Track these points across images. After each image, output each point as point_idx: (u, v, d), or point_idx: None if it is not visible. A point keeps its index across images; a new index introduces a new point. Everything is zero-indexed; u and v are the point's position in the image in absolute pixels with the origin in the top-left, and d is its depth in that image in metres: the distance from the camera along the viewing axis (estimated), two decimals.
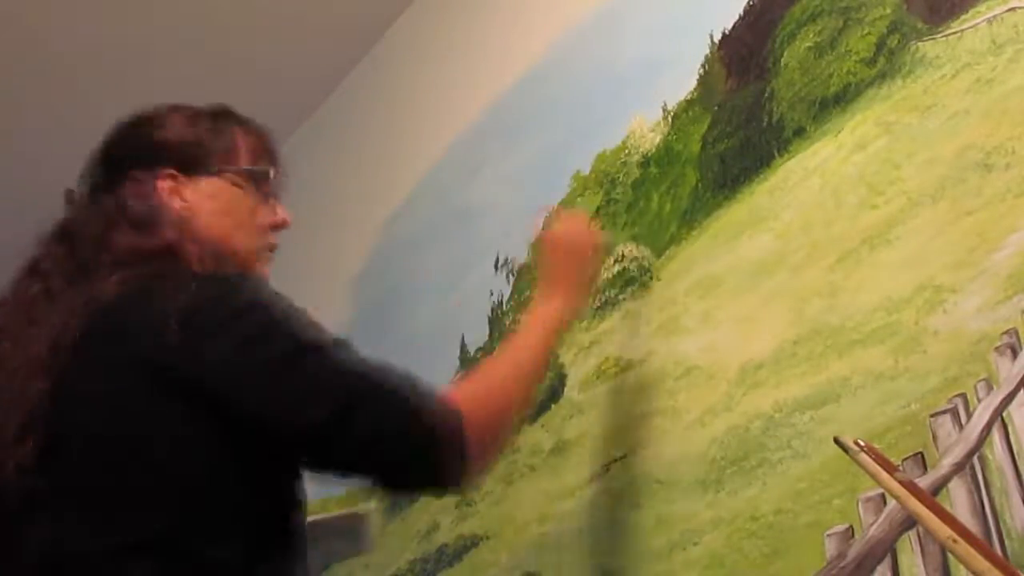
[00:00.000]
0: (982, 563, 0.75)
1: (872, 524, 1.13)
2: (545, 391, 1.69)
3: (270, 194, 1.22)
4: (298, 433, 1.01)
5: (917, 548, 1.09)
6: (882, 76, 1.30)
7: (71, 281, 1.07)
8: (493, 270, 1.90)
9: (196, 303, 1.00)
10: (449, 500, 1.83)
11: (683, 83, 1.59)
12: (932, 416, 1.12)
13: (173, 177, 1.14)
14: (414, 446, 1.03)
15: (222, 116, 1.22)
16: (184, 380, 0.98)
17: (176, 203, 1.13)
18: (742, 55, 1.50)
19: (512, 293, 1.85)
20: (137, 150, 1.17)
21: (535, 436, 1.68)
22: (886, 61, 1.30)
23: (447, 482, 1.09)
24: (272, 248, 1.24)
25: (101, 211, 1.13)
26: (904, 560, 1.09)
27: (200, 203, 1.14)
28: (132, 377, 1.00)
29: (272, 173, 1.21)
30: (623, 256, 1.62)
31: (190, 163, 1.15)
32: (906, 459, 1.13)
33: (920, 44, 1.26)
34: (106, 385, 1.00)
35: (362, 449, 1.02)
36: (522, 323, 1.25)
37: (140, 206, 1.12)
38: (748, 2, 1.51)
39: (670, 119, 1.60)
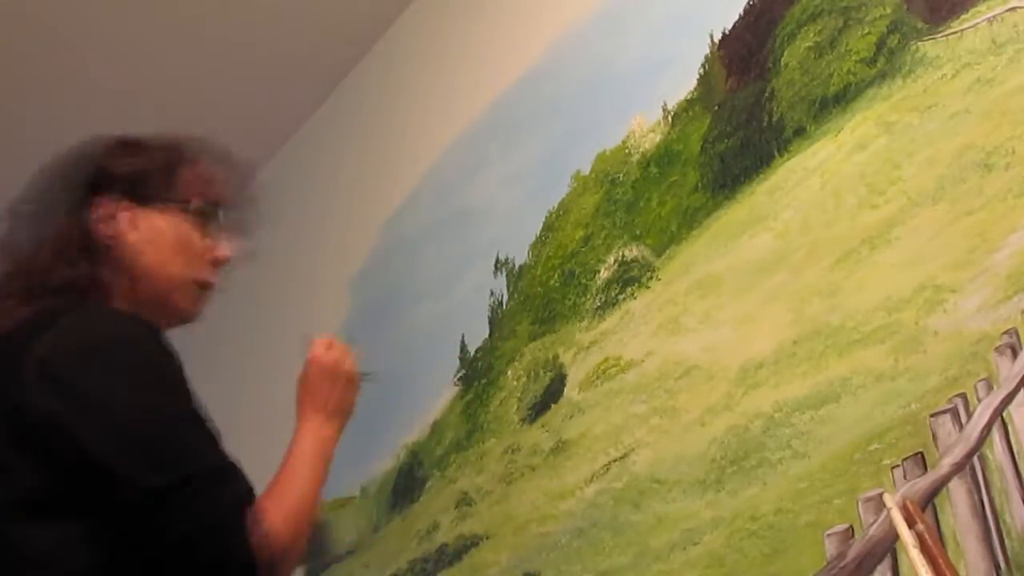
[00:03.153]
0: None
1: (872, 524, 1.13)
2: (545, 391, 1.69)
3: (216, 229, 1.18)
4: (133, 490, 0.96)
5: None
6: (882, 76, 1.30)
7: None
8: (493, 270, 1.90)
9: (71, 344, 0.98)
10: (449, 500, 1.83)
11: (683, 83, 1.59)
12: (932, 416, 1.12)
13: (109, 208, 1.12)
14: (231, 546, 0.99)
15: (176, 148, 1.20)
16: (39, 422, 0.95)
17: (108, 233, 1.11)
18: (742, 55, 1.50)
19: (512, 293, 1.85)
20: (77, 178, 1.15)
21: (535, 436, 1.68)
22: (886, 61, 1.30)
23: None
24: (208, 285, 1.19)
25: (34, 235, 1.11)
26: (904, 560, 1.09)
27: (132, 235, 1.12)
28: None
29: (219, 208, 1.18)
30: (623, 256, 1.62)
31: (128, 194, 1.13)
32: (906, 459, 1.13)
33: (920, 44, 1.26)
34: None
35: (187, 525, 0.97)
36: (299, 448, 1.23)
37: (72, 236, 1.10)
38: (748, 2, 1.50)
39: (670, 119, 1.60)
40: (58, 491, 0.95)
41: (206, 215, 1.17)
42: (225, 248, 1.18)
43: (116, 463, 0.95)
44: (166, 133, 1.21)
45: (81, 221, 1.11)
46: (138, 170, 1.16)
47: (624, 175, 1.67)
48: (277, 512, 1.04)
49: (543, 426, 1.67)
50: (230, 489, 1.01)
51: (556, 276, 1.75)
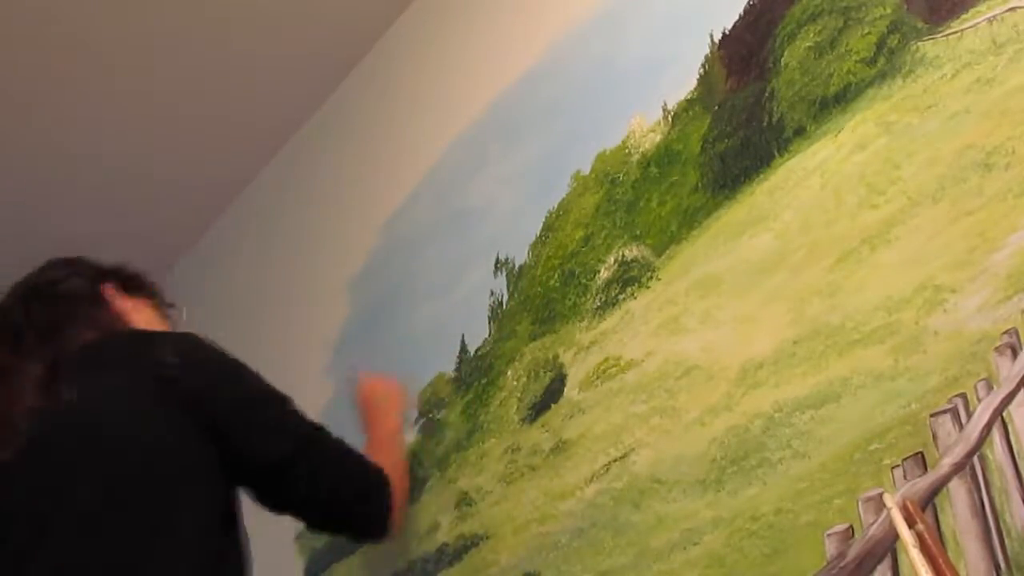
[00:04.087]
0: None
1: (872, 524, 1.13)
2: (545, 391, 1.69)
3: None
4: (263, 463, 1.26)
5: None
6: (882, 76, 1.30)
7: (42, 338, 1.31)
8: (493, 270, 1.90)
9: (181, 345, 1.27)
10: (449, 500, 1.83)
11: (683, 83, 1.59)
12: (932, 416, 1.12)
13: (116, 289, 1.46)
14: (358, 492, 1.33)
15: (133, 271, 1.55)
16: (184, 397, 1.19)
17: (117, 306, 1.43)
18: (742, 55, 1.50)
19: (512, 293, 1.85)
20: (84, 269, 1.47)
21: (535, 436, 1.68)
22: (886, 61, 1.30)
23: (377, 531, 1.40)
24: None
25: (65, 288, 1.42)
26: (904, 560, 1.09)
27: (129, 310, 1.44)
28: (137, 395, 1.20)
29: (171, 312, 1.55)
30: (623, 256, 1.62)
31: (129, 286, 1.48)
32: (906, 459, 1.13)
33: (920, 44, 1.26)
34: (110, 403, 1.20)
35: (314, 484, 1.28)
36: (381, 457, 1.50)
37: (93, 299, 1.42)
38: (748, 2, 1.51)
39: (670, 119, 1.60)
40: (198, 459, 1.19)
41: (166, 310, 1.54)
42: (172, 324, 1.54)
43: (249, 434, 1.24)
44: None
45: (99, 294, 1.43)
46: (135, 275, 1.52)
47: (624, 175, 1.67)
48: (392, 471, 1.41)
49: (543, 426, 1.67)
50: (334, 441, 1.34)
51: (556, 276, 1.75)
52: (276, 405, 1.31)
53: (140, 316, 1.45)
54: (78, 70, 2.39)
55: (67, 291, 1.41)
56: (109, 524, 1.10)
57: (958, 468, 1.09)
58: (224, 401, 1.22)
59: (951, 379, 1.12)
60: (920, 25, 1.27)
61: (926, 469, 1.11)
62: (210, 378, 1.23)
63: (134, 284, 1.50)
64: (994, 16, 1.18)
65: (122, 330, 1.36)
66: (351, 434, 2.13)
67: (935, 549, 0.97)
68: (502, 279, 1.88)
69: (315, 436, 1.32)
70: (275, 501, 1.31)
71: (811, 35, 1.40)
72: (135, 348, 1.27)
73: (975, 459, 1.08)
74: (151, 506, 1.12)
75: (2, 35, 2.24)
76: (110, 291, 1.44)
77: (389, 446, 1.56)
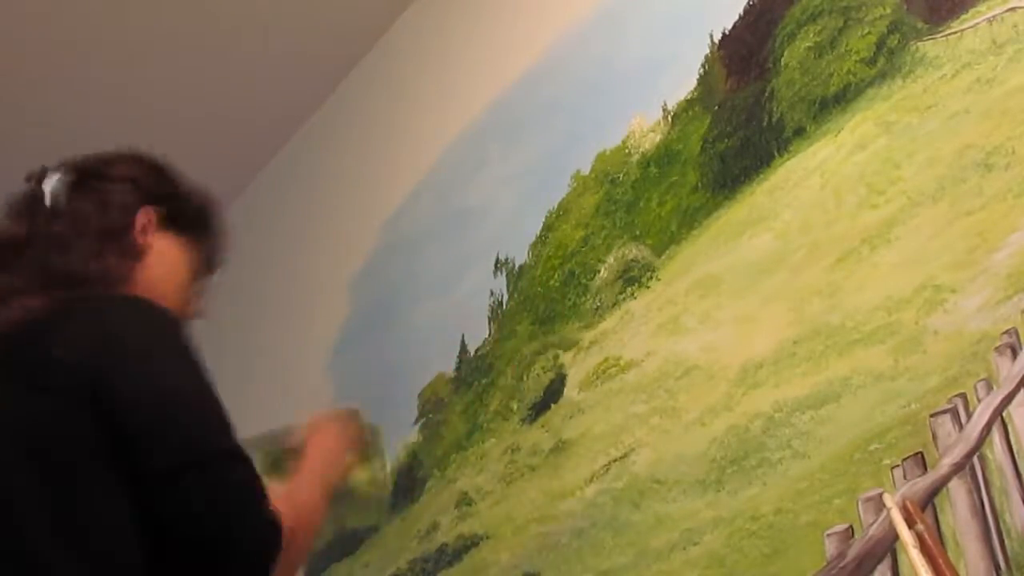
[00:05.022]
0: None
1: (872, 524, 1.13)
2: (545, 391, 1.69)
3: (201, 284, 1.30)
4: (147, 469, 1.00)
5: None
6: (882, 76, 1.30)
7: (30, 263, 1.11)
8: (493, 270, 1.90)
9: (115, 327, 1.04)
10: (449, 500, 1.83)
11: (683, 83, 1.59)
12: (932, 416, 1.12)
13: (151, 219, 1.20)
14: (235, 538, 1.03)
15: (210, 201, 1.32)
16: (95, 398, 0.99)
17: (141, 239, 1.19)
18: (742, 55, 1.50)
19: (512, 293, 1.85)
20: (137, 180, 1.23)
21: (535, 436, 1.68)
22: (886, 61, 1.30)
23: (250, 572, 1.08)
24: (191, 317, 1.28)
25: (74, 214, 1.17)
26: (904, 560, 1.09)
27: (155, 249, 1.20)
28: (46, 396, 1.00)
29: (214, 272, 1.32)
30: (623, 256, 1.62)
31: (174, 217, 1.23)
32: (906, 459, 1.13)
33: (920, 44, 1.26)
34: (23, 406, 1.01)
35: (189, 509, 1.01)
36: (299, 496, 1.25)
37: (112, 227, 1.17)
38: (748, 2, 1.51)
39: (670, 119, 1.60)
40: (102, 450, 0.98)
41: (207, 272, 1.29)
42: (199, 305, 1.30)
43: (143, 432, 0.99)
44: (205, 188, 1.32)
45: (126, 218, 1.19)
46: (185, 200, 1.26)
47: (624, 175, 1.67)
48: (286, 507, 1.08)
49: (543, 426, 1.67)
50: (243, 470, 1.04)
51: (556, 276, 1.75)
52: (191, 407, 1.06)
53: (159, 264, 1.21)
54: (74, 70, 2.39)
55: (88, 206, 1.17)
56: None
57: (958, 468, 1.09)
58: (127, 390, 1.01)
59: (951, 379, 1.11)
60: (920, 25, 1.27)
61: (926, 469, 1.11)
62: (118, 362, 1.01)
63: (186, 219, 1.26)
64: (994, 16, 1.18)
65: (68, 300, 1.09)
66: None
67: (935, 549, 0.97)
68: (502, 279, 1.88)
69: (221, 456, 1.05)
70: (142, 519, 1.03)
71: (811, 35, 1.40)
72: (38, 340, 1.04)
73: (975, 459, 1.08)
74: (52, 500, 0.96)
75: (2, 38, 2.25)
76: (144, 219, 1.20)
77: (311, 485, 1.29)
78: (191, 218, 1.26)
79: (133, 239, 1.18)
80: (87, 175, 1.21)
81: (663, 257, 1.55)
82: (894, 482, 1.13)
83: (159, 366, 1.04)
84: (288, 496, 1.19)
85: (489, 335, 1.87)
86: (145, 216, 1.20)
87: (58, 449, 0.99)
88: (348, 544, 2.07)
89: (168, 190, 1.25)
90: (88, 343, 1.01)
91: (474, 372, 1.88)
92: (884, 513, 1.11)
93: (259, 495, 1.04)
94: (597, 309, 1.63)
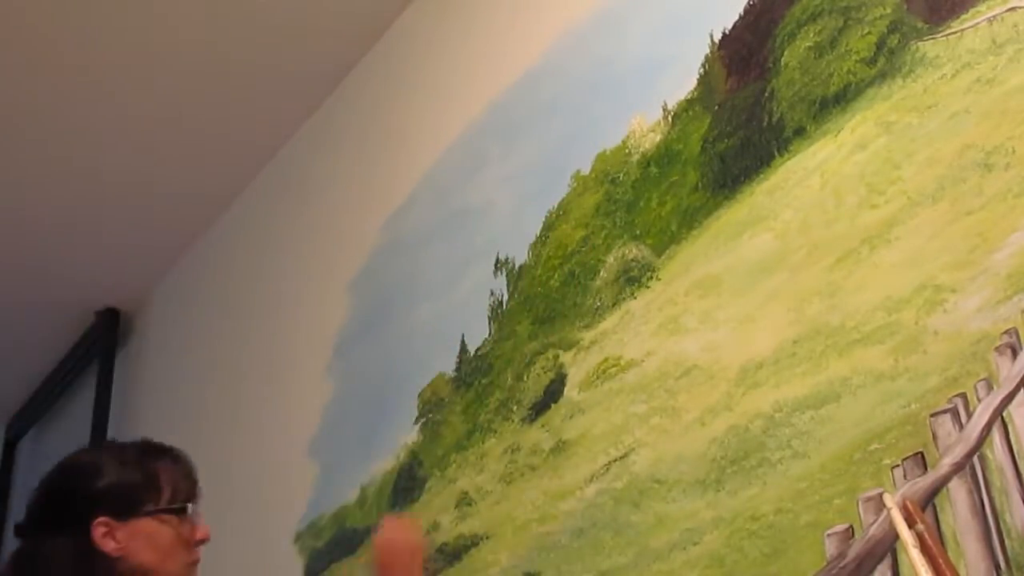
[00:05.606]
0: None
1: (872, 524, 1.13)
2: (545, 391, 1.69)
3: (191, 517, 1.39)
4: None
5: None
6: (882, 76, 1.30)
7: None
8: (493, 270, 1.90)
9: None
10: (449, 500, 1.83)
11: (683, 83, 1.59)
12: (932, 416, 1.12)
13: (107, 524, 1.31)
14: None
15: (148, 454, 1.39)
16: None
17: (110, 546, 1.31)
18: (742, 55, 1.50)
19: (512, 293, 1.85)
20: (74, 502, 1.34)
21: (535, 436, 1.68)
22: (886, 61, 1.30)
23: None
24: (196, 562, 1.39)
25: (45, 554, 1.32)
26: (904, 560, 1.09)
27: (132, 543, 1.32)
28: None
29: (191, 504, 1.39)
30: (623, 256, 1.62)
31: (122, 509, 1.33)
32: (906, 459, 1.13)
33: (920, 44, 1.26)
34: None
35: None
36: None
37: (79, 554, 1.30)
38: (748, 2, 1.51)
39: (670, 119, 1.60)
40: None
41: (187, 510, 1.38)
42: (204, 529, 1.40)
43: None
44: (124, 444, 1.43)
45: (85, 542, 1.31)
46: (124, 487, 1.36)
47: (624, 175, 1.67)
48: None
49: (543, 426, 1.67)
50: None
51: (556, 276, 1.75)
52: None
53: (143, 551, 1.33)
54: (74, 70, 2.39)
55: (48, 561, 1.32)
56: None
57: (958, 468, 1.09)
58: None
59: (951, 379, 1.12)
60: (920, 25, 1.27)
61: (926, 469, 1.11)
62: None
63: (135, 497, 1.36)
64: (994, 16, 1.18)
65: None
66: (349, 441, 2.14)
67: (935, 549, 0.97)
68: (502, 279, 1.88)
69: None
70: None
71: (811, 35, 1.40)
72: None
73: (975, 459, 1.08)
74: None
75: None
76: (100, 531, 1.32)
77: None
78: (132, 496, 1.35)
79: (102, 553, 1.31)
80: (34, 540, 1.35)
81: (663, 257, 1.55)
82: (894, 482, 1.13)
83: None
84: None
85: (489, 335, 1.87)
86: (97, 530, 1.31)
87: None
88: (348, 544, 2.07)
89: (93, 491, 1.34)
90: None
91: (474, 372, 1.88)
92: (884, 513, 1.11)
93: None
94: (597, 309, 1.63)
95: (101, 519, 1.32)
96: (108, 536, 1.31)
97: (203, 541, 1.39)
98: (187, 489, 1.40)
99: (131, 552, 1.31)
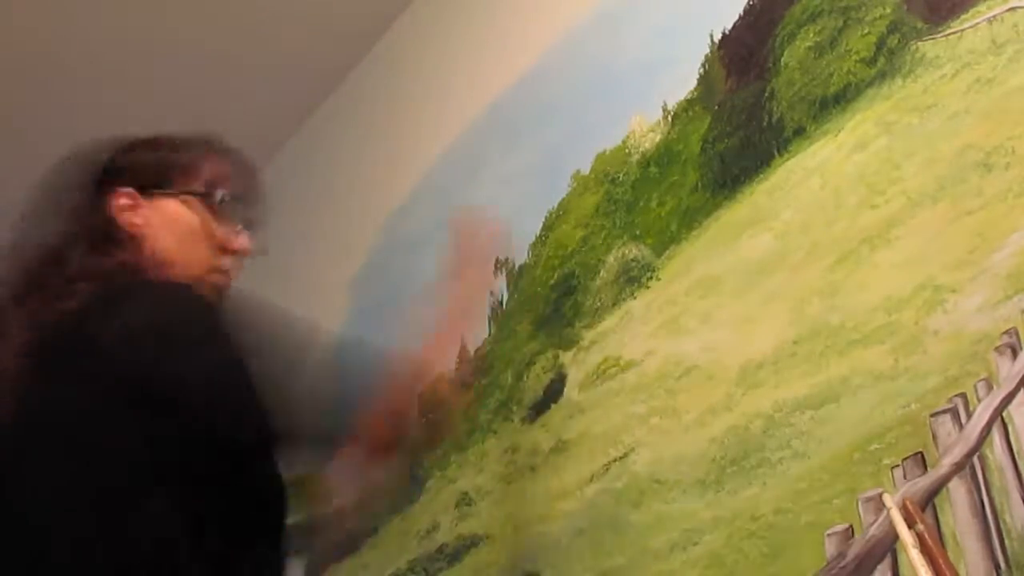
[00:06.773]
0: None
1: (872, 524, 1.13)
2: (545, 391, 1.69)
3: (231, 219, 1.25)
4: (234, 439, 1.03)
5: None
6: (882, 76, 1.30)
7: (18, 298, 1.09)
8: (493, 270, 1.90)
9: (158, 320, 1.02)
10: (449, 500, 1.83)
11: (683, 83, 1.59)
12: (932, 416, 1.12)
13: (130, 196, 1.18)
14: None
15: (193, 143, 1.26)
16: (157, 393, 0.99)
17: (131, 221, 1.17)
18: (742, 55, 1.50)
19: (512, 293, 1.85)
20: (96, 170, 1.21)
21: (535, 436, 1.68)
22: (886, 61, 1.30)
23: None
24: (224, 270, 1.24)
25: (58, 228, 1.17)
26: (904, 560, 1.09)
27: (154, 222, 1.18)
28: (103, 391, 1.00)
29: (237, 202, 1.24)
30: (623, 256, 1.62)
31: (148, 184, 1.20)
32: (906, 459, 1.13)
33: (920, 44, 1.26)
34: (75, 402, 1.00)
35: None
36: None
37: (96, 225, 1.16)
38: (748, 2, 1.51)
39: (670, 119, 1.60)
40: (146, 458, 0.98)
41: (225, 206, 1.23)
42: (243, 239, 1.24)
43: (210, 420, 1.00)
44: (182, 133, 1.27)
45: (104, 212, 1.17)
46: (158, 162, 1.22)
47: (624, 175, 1.67)
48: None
49: (543, 426, 1.67)
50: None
51: (556, 276, 1.75)
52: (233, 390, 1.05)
53: (164, 234, 1.17)
54: (75, 69, 2.39)
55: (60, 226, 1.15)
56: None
57: (958, 468, 1.09)
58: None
59: (951, 379, 1.11)
60: (920, 25, 1.27)
61: (926, 469, 1.11)
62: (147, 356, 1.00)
63: (161, 175, 1.21)
64: (994, 16, 1.18)
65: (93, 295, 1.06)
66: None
67: (935, 549, 0.97)
68: (502, 279, 1.88)
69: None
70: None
71: (811, 35, 1.40)
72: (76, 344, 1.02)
73: (975, 459, 1.08)
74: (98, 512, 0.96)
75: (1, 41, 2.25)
76: (121, 202, 1.17)
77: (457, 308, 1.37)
78: (162, 172, 1.22)
79: (121, 226, 1.17)
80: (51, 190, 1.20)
81: (663, 257, 1.55)
82: (894, 482, 1.13)
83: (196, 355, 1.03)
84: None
85: (489, 335, 1.87)
86: (117, 199, 1.18)
87: (102, 440, 0.99)
88: (348, 544, 2.07)
89: (124, 162, 1.21)
90: (126, 339, 1.00)
91: (474, 372, 1.88)
92: (884, 513, 1.11)
93: None
94: (597, 309, 1.63)
95: (124, 190, 1.18)
96: (129, 210, 1.17)
97: (238, 251, 1.25)
98: (234, 186, 1.25)
99: (150, 234, 1.16)
